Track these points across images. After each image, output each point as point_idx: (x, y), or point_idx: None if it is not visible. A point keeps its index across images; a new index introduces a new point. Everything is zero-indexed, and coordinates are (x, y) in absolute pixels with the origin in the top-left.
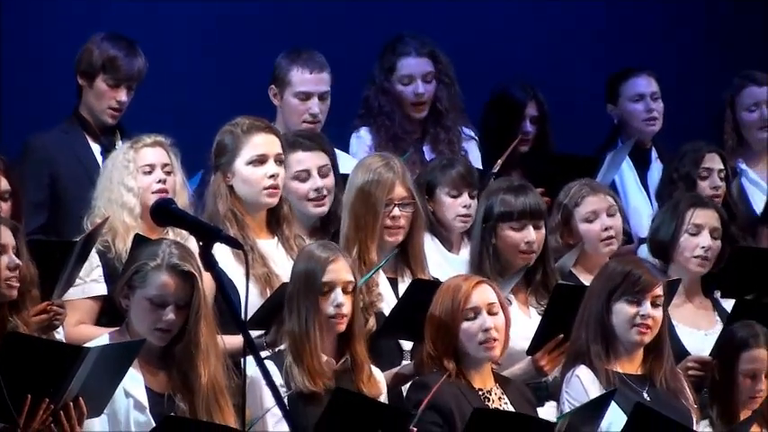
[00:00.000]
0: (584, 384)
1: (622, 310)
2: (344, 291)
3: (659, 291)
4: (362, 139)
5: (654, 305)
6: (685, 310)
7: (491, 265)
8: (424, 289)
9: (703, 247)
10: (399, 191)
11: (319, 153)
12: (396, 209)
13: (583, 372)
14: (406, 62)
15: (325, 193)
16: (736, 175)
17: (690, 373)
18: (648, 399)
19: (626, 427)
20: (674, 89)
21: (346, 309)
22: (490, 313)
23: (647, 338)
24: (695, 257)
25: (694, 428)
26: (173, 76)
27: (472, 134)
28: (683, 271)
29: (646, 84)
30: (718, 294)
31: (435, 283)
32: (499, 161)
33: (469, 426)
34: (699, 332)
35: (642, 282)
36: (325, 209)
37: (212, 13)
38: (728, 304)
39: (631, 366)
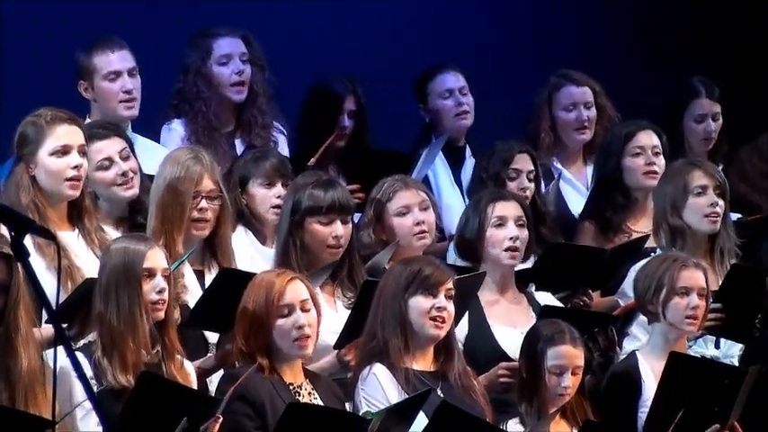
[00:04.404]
0: (380, 382)
1: (418, 304)
2: (163, 277)
3: (450, 285)
4: (175, 130)
5: (447, 298)
6: (500, 308)
7: (298, 259)
8: (232, 279)
9: (511, 238)
10: (207, 183)
11: (115, 139)
12: (203, 201)
13: (379, 369)
14: (223, 42)
15: (131, 175)
16: (548, 175)
17: (501, 380)
18: (442, 395)
19: (429, 424)
20: (489, 86)
21: (167, 294)
22: (303, 310)
23: (443, 332)
24: (505, 250)
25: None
26: None
27: (282, 128)
28: (495, 267)
29: (454, 79)
30: (532, 288)
31: (243, 273)
32: (313, 159)
33: (283, 420)
34: (515, 330)
35: (433, 277)
36: (135, 191)
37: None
38: (542, 297)
39: (425, 363)
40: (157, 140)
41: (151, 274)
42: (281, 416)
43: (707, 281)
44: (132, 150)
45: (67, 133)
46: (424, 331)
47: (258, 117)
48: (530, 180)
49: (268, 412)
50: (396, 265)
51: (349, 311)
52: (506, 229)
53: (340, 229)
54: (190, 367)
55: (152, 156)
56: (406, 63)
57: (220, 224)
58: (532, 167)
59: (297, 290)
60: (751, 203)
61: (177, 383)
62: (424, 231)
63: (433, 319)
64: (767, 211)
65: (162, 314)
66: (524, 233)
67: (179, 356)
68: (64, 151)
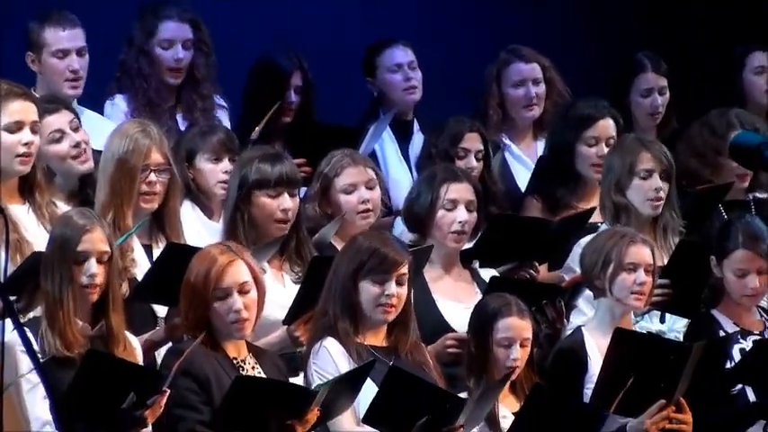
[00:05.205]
0: (332, 356)
1: (367, 290)
2: (99, 261)
3: (404, 269)
4: (117, 106)
5: (398, 284)
6: (444, 284)
7: (245, 233)
8: (179, 253)
9: (460, 222)
10: (156, 157)
11: (64, 111)
12: (152, 174)
13: (331, 343)
14: (168, 26)
15: (83, 146)
16: (498, 151)
17: (449, 351)
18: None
19: (380, 391)
20: (438, 61)
21: (99, 279)
22: (242, 292)
23: (391, 317)
24: (452, 233)
25: None
26: None
27: (223, 103)
28: (440, 245)
29: (402, 54)
30: (476, 264)
31: (190, 248)
32: (257, 128)
33: (230, 393)
34: (460, 305)
35: (388, 260)
36: (90, 164)
37: None
38: (487, 274)
39: (377, 339)
40: (101, 113)
41: (85, 257)
42: (228, 389)
43: (654, 257)
44: (79, 121)
45: (21, 109)
46: (373, 316)
47: (198, 101)
48: (478, 160)
49: (213, 387)
50: (353, 240)
51: (297, 286)
52: (456, 213)
53: (288, 202)
54: (135, 342)
55: (98, 129)
56: (354, 37)
57: (169, 197)
58: (481, 147)
59: (236, 272)
60: (702, 179)
61: (123, 360)
62: (368, 210)
63: (382, 305)
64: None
65: (95, 297)
66: (473, 217)
67: (123, 336)
68: (16, 127)
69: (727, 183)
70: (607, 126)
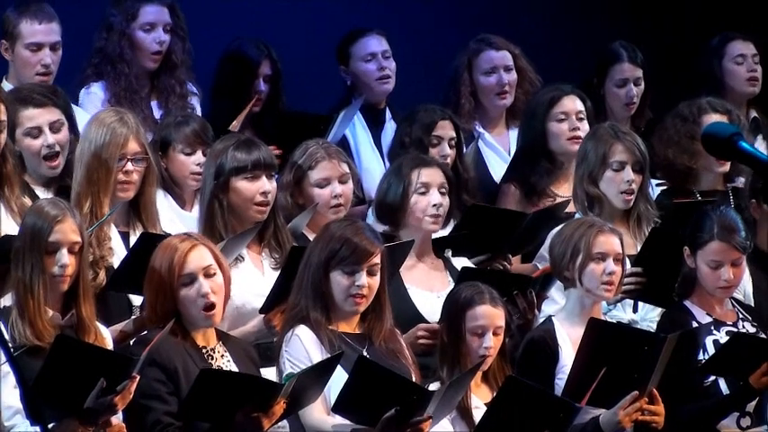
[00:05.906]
0: (304, 343)
1: (338, 281)
2: (70, 251)
3: (376, 259)
4: (94, 94)
5: (370, 274)
6: (417, 272)
7: (224, 222)
8: (153, 242)
9: (435, 205)
10: (133, 146)
11: (51, 109)
12: (129, 164)
13: (302, 331)
14: (149, 9)
15: (57, 149)
16: (471, 139)
17: (420, 342)
18: (368, 357)
19: (349, 380)
20: (410, 50)
21: (70, 269)
22: (206, 276)
23: (362, 307)
24: (428, 216)
25: None
26: None
27: (195, 90)
28: (416, 232)
29: (377, 43)
30: (449, 254)
31: (164, 237)
32: (236, 122)
33: (195, 386)
34: (432, 294)
35: (359, 251)
36: (57, 170)
37: None
38: (459, 263)
39: (350, 326)
40: (74, 102)
41: (56, 248)
42: (193, 382)
43: (623, 246)
44: (71, 121)
45: None
46: (344, 306)
47: (177, 87)
48: (451, 147)
49: (181, 377)
50: (326, 228)
51: (275, 273)
52: (430, 196)
53: (267, 185)
54: (106, 332)
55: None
56: (328, 26)
57: (145, 186)
58: (454, 134)
59: (199, 257)
60: (681, 167)
61: (92, 345)
62: (340, 204)
63: (353, 296)
64: (698, 170)
65: (65, 286)
66: (446, 200)
67: (93, 326)
68: None
69: (706, 200)
70: (573, 101)
